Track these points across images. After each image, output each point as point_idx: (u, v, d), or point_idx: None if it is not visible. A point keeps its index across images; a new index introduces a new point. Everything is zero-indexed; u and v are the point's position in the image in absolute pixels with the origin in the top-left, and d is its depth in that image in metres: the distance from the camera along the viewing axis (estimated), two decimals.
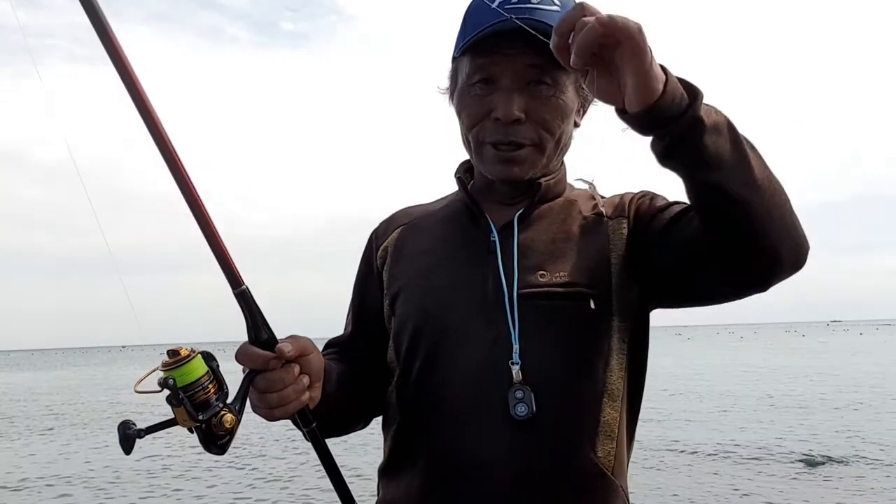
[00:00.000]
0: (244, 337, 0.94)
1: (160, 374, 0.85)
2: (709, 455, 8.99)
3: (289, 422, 0.99)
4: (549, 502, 0.98)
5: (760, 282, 0.93)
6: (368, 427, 1.20)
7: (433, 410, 1.05)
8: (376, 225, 1.24)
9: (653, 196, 1.09)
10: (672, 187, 0.94)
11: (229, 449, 0.89)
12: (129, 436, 0.84)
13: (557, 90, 1.03)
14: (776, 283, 0.93)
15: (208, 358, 0.90)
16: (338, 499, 1.05)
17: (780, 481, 7.48)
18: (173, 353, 0.86)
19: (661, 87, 0.79)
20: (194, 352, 0.87)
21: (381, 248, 1.19)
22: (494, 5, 1.02)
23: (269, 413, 0.95)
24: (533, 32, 0.93)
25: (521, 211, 1.09)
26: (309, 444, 1.03)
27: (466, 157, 1.15)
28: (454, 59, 1.09)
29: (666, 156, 0.84)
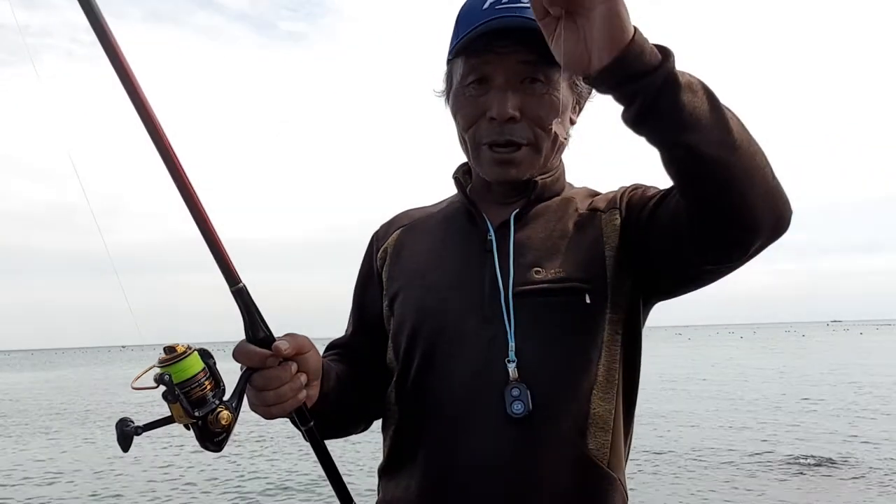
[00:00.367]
0: (243, 337, 0.94)
1: (157, 370, 0.85)
2: (709, 456, 9.00)
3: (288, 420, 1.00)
4: (548, 498, 0.98)
5: (742, 248, 0.90)
6: (370, 427, 1.20)
7: (431, 410, 1.05)
8: (377, 227, 1.25)
9: (645, 187, 1.09)
10: (666, 181, 0.91)
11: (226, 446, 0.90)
12: (126, 433, 0.84)
13: (551, 87, 1.03)
14: (758, 249, 0.91)
15: (205, 355, 0.90)
16: (336, 497, 1.05)
17: (780, 483, 7.48)
18: (170, 349, 0.86)
19: (630, 29, 0.74)
20: (191, 348, 0.88)
21: (381, 249, 1.20)
22: (485, 6, 1.03)
23: (267, 411, 0.95)
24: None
25: (517, 210, 1.09)
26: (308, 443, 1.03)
27: (465, 158, 1.15)
28: (448, 61, 1.10)
29: (640, 118, 0.79)
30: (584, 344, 1.02)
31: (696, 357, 34.05)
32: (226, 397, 0.90)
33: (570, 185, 1.18)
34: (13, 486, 9.00)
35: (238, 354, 0.94)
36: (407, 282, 1.13)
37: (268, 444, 10.96)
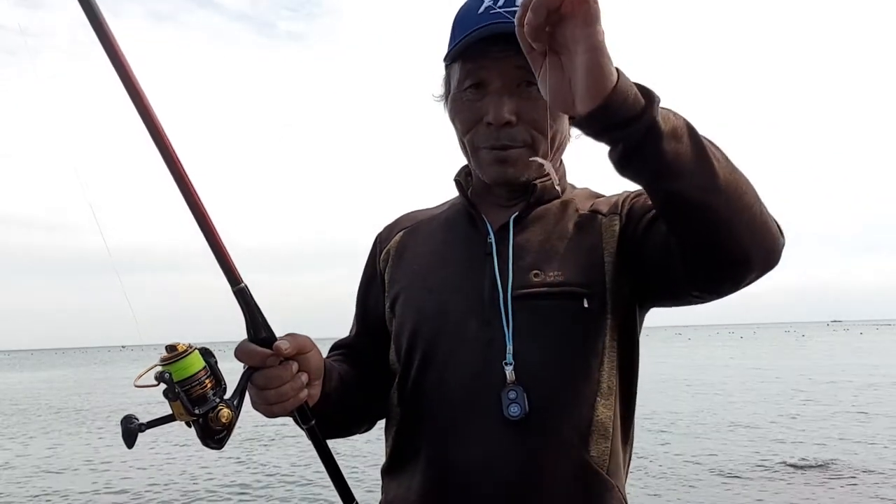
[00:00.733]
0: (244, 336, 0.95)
1: (158, 368, 0.86)
2: (706, 459, 9.00)
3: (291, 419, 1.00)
4: (547, 502, 0.98)
5: (731, 284, 0.92)
6: (375, 427, 1.21)
7: (430, 411, 1.06)
8: (380, 228, 1.26)
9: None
10: None
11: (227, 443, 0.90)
12: (131, 430, 0.86)
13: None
14: (748, 284, 0.92)
15: (206, 354, 0.91)
16: (338, 495, 1.06)
17: (778, 487, 7.48)
18: (171, 348, 0.88)
19: (613, 74, 0.74)
20: (192, 347, 0.89)
21: (384, 251, 1.20)
22: (481, 10, 1.03)
23: (268, 409, 0.96)
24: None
25: (517, 213, 1.09)
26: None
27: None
28: (446, 65, 1.11)
29: (623, 164, 0.81)
30: (584, 348, 1.02)
31: (695, 358, 34.02)
32: (227, 396, 0.91)
33: (572, 186, 1.18)
34: (12, 484, 9.02)
35: (239, 353, 0.94)
36: (408, 284, 1.13)
37: (272, 442, 10.98)
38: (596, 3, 0.72)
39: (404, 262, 1.17)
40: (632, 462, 1.12)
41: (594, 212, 1.09)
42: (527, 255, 1.05)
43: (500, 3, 1.03)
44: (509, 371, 0.99)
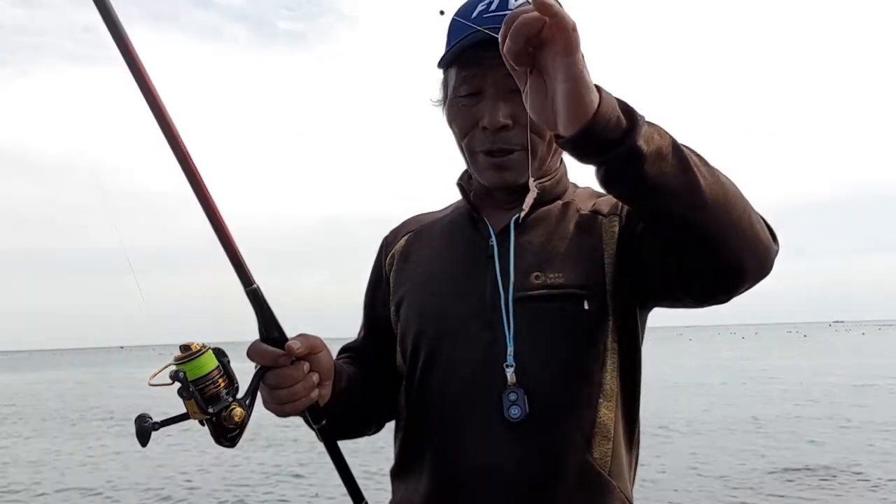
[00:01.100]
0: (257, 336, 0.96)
1: (173, 367, 0.87)
2: (702, 462, 8.99)
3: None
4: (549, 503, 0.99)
5: (724, 294, 0.93)
6: (387, 429, 1.22)
7: (434, 413, 1.07)
8: (386, 232, 1.27)
9: None
10: None
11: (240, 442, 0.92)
12: (145, 428, 0.87)
13: None
14: (742, 292, 0.93)
15: (219, 353, 0.92)
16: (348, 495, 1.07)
17: (778, 493, 7.47)
18: (185, 347, 0.89)
19: (594, 101, 0.75)
20: (205, 347, 0.90)
21: (390, 255, 1.22)
22: (475, 14, 1.04)
23: (279, 409, 0.98)
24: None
25: (517, 215, 1.10)
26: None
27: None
28: (444, 70, 1.11)
29: (606, 185, 0.82)
30: (583, 350, 1.03)
31: (695, 358, 33.96)
32: (239, 395, 0.93)
33: (574, 185, 1.18)
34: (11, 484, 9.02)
35: (252, 353, 0.96)
36: (412, 287, 1.14)
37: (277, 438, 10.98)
38: (575, 31, 0.73)
39: (409, 266, 1.18)
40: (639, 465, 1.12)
41: (595, 212, 1.09)
42: (528, 256, 1.06)
43: (493, 7, 1.03)
44: (510, 373, 1.00)
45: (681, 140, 0.84)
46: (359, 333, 1.26)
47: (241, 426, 0.91)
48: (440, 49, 1.10)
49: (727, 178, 0.87)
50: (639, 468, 1.11)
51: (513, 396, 0.99)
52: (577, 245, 1.06)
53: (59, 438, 12.93)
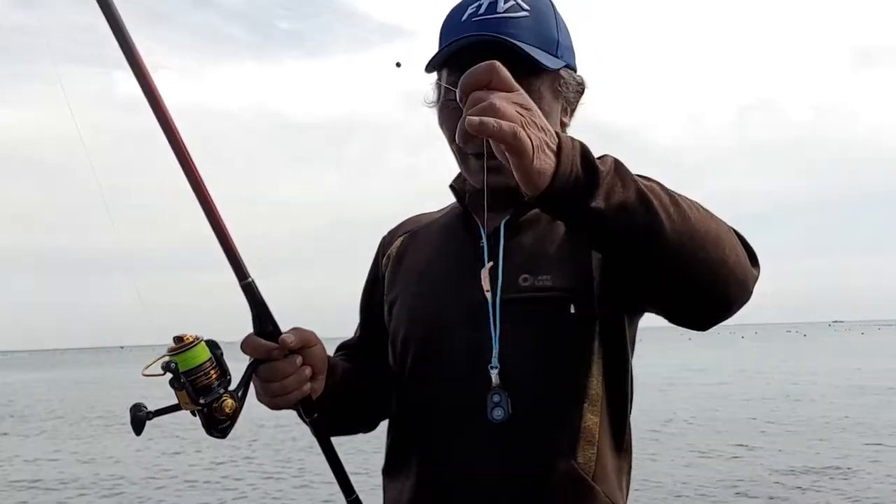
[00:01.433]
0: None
1: (165, 358, 0.89)
2: (701, 466, 8.96)
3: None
4: None
5: (705, 323, 0.94)
6: (374, 429, 1.23)
7: (421, 414, 1.08)
8: (385, 232, 1.28)
9: None
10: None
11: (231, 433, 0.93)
12: (139, 418, 0.89)
13: (534, 97, 1.04)
14: (722, 321, 0.93)
15: (212, 346, 0.93)
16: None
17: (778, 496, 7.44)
18: (178, 339, 0.90)
19: (548, 171, 0.75)
20: (198, 339, 0.91)
21: (386, 255, 1.23)
22: (464, 17, 1.05)
23: (272, 401, 0.99)
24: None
25: (507, 217, 1.10)
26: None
27: None
28: (437, 72, 1.12)
29: (572, 231, 0.84)
30: (569, 354, 1.03)
31: (695, 358, 33.76)
32: (232, 387, 0.94)
33: None
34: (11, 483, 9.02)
35: (245, 346, 0.97)
36: (404, 288, 1.15)
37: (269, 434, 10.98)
38: (517, 139, 0.72)
39: (403, 267, 1.18)
40: (634, 469, 1.10)
41: None
42: (517, 259, 1.06)
43: (482, 10, 1.04)
44: (494, 375, 1.00)
45: (658, 173, 0.85)
46: (356, 332, 1.27)
47: (233, 418, 0.92)
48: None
49: (700, 210, 0.86)
50: (635, 469, 1.10)
51: (496, 398, 0.99)
52: (566, 248, 1.06)
53: (59, 438, 12.93)
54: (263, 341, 0.96)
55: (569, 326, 1.02)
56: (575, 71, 1.10)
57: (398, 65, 1.29)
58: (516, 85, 0.76)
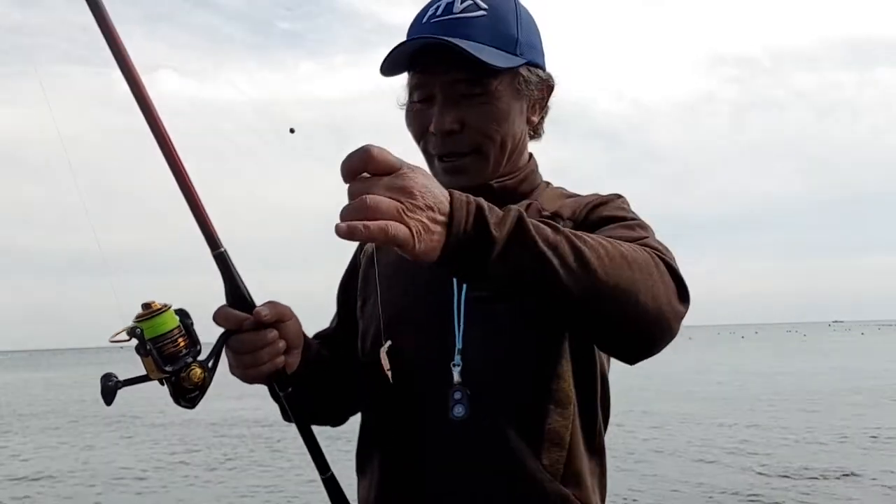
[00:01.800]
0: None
1: (131, 324, 0.86)
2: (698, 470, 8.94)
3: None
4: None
5: (626, 361, 0.93)
6: (344, 423, 1.22)
7: (386, 410, 1.07)
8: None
9: (611, 208, 1.05)
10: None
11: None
12: (109, 387, 0.86)
13: (491, 97, 1.04)
14: (642, 359, 0.91)
15: (182, 314, 0.91)
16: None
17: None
18: (146, 305, 0.88)
19: (435, 255, 0.75)
20: (167, 306, 0.89)
21: (363, 251, 1.22)
22: (424, 19, 1.05)
23: (244, 373, 0.97)
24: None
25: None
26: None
27: None
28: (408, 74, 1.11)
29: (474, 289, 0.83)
30: (533, 354, 1.00)
31: (695, 358, 33.80)
32: (202, 357, 0.91)
33: (548, 184, 1.16)
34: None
35: (216, 316, 0.95)
36: (374, 286, 1.13)
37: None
38: (392, 237, 0.70)
39: (376, 263, 1.16)
40: (617, 464, 1.09)
41: (556, 214, 1.07)
42: None
43: (439, 11, 1.04)
44: (456, 372, 0.99)
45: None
46: (331, 322, 1.26)
47: (202, 388, 0.90)
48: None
49: (615, 259, 0.82)
50: (626, 474, 1.08)
51: (457, 395, 0.98)
52: None
53: (59, 438, 12.93)
54: (235, 311, 0.94)
55: (535, 327, 1.00)
56: (541, 68, 1.09)
57: (292, 131, 1.46)
58: (396, 164, 0.72)
